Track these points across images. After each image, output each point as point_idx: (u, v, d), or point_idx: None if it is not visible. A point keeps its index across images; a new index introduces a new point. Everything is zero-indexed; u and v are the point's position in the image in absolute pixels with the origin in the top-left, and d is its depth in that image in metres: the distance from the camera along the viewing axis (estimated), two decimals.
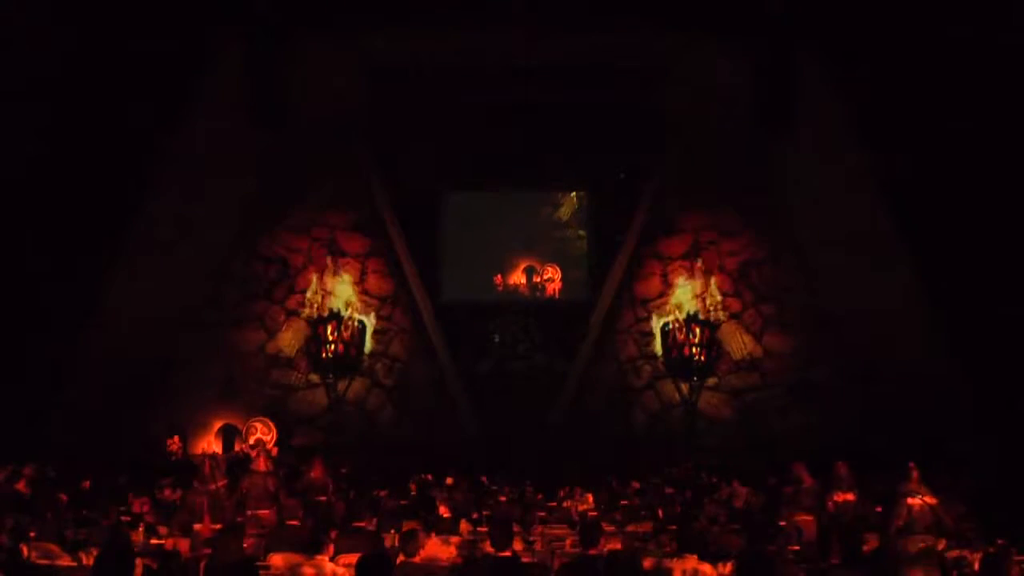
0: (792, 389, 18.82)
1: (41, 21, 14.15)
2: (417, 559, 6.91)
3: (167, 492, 12.50)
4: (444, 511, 11.01)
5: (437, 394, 19.14)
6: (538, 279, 20.43)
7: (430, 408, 18.99)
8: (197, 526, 9.76)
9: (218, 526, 9.77)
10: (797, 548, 8.98)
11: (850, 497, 11.23)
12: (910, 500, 9.60)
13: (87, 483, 13.51)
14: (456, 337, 19.50)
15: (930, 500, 9.50)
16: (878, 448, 16.63)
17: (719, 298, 19.03)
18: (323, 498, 11.62)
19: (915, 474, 9.96)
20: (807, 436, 17.62)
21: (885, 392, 17.70)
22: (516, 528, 9.72)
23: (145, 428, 18.03)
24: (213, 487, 10.36)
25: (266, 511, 10.65)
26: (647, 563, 6.81)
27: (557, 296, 20.39)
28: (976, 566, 7.22)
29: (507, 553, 7.06)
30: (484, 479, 14.46)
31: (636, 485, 14.41)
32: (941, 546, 8.30)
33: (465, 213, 20.51)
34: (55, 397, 16.43)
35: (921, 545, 8.39)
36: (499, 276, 20.39)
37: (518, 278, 20.43)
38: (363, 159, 19.32)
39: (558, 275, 20.36)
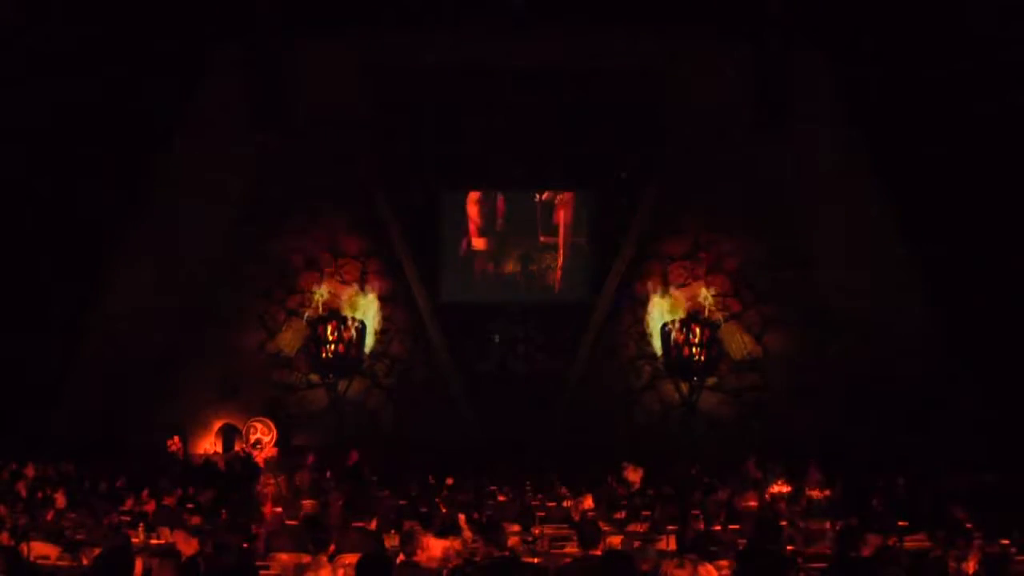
0: (792, 389, 18.81)
1: (42, 21, 14.15)
2: (417, 559, 6.90)
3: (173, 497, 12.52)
4: (444, 511, 11.00)
5: (437, 394, 19.13)
6: (535, 267, 20.30)
7: (430, 408, 18.98)
8: (265, 509, 11.00)
9: (279, 509, 11.28)
10: (792, 548, 8.98)
11: (785, 489, 12.61)
12: (809, 491, 11.82)
13: (88, 483, 13.52)
14: (456, 337, 19.49)
15: (825, 492, 11.64)
16: (877, 448, 16.66)
17: (722, 299, 19.03)
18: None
19: (814, 471, 12.50)
20: (806, 436, 17.61)
21: (885, 392, 17.70)
22: (516, 528, 9.73)
23: (145, 428, 18.03)
24: (273, 481, 11.15)
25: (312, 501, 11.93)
26: (647, 563, 6.80)
27: (558, 287, 20.22)
28: (971, 566, 7.21)
29: (505, 553, 7.06)
30: (484, 479, 14.45)
31: (636, 483, 14.42)
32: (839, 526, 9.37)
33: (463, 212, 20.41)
34: (55, 397, 16.43)
35: (828, 526, 9.75)
36: (491, 264, 20.28)
37: (513, 266, 20.32)
38: (363, 159, 19.31)
39: (558, 263, 20.22)
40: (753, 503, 12.14)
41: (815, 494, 12.50)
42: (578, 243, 20.23)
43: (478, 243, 20.23)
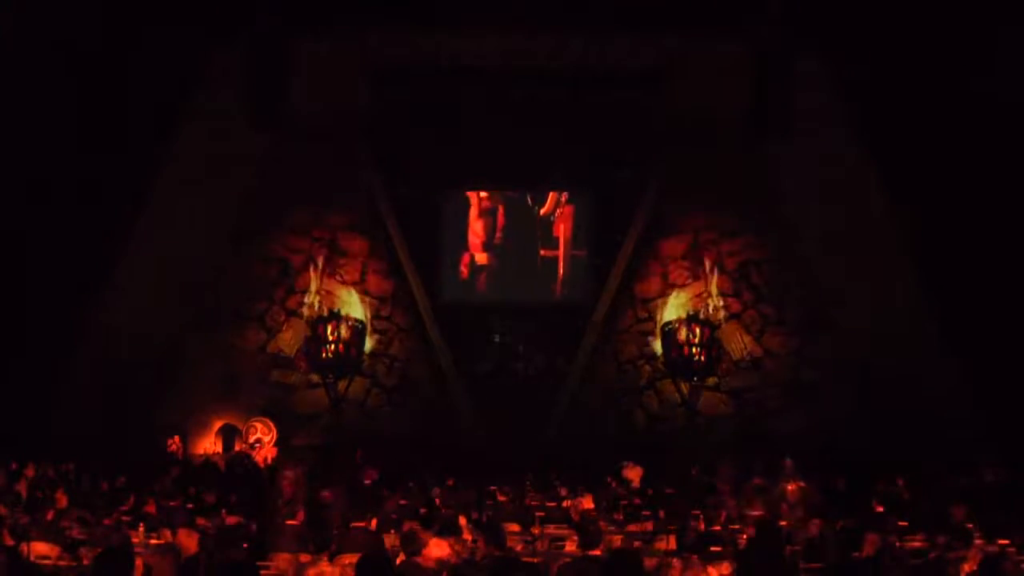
0: (791, 389, 18.81)
1: (41, 21, 14.15)
2: (418, 559, 6.90)
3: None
4: (444, 511, 11.00)
5: (437, 394, 19.12)
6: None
7: (430, 408, 18.98)
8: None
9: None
10: (797, 548, 8.98)
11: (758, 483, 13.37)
12: (786, 484, 12.48)
13: (88, 483, 13.52)
14: (456, 337, 19.47)
15: (801, 484, 12.34)
16: (877, 448, 16.67)
17: (719, 302, 19.00)
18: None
19: (789, 465, 13.02)
20: (806, 436, 17.61)
21: (885, 392, 17.71)
22: (516, 528, 9.73)
23: (145, 428, 18.03)
24: (292, 473, 11.82)
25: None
26: (647, 563, 6.80)
27: (559, 293, 20.18)
28: (970, 566, 7.22)
29: (505, 553, 7.07)
30: (484, 479, 14.45)
31: (635, 482, 14.44)
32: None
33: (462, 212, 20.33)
34: (55, 397, 16.43)
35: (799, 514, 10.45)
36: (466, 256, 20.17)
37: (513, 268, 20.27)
38: (363, 159, 19.30)
39: (558, 276, 20.21)
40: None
41: (790, 488, 12.78)
42: (577, 256, 20.16)
43: (481, 258, 20.14)
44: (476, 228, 20.12)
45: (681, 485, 14.49)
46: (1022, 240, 14.61)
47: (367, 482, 14.66)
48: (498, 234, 20.14)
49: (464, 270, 20.09)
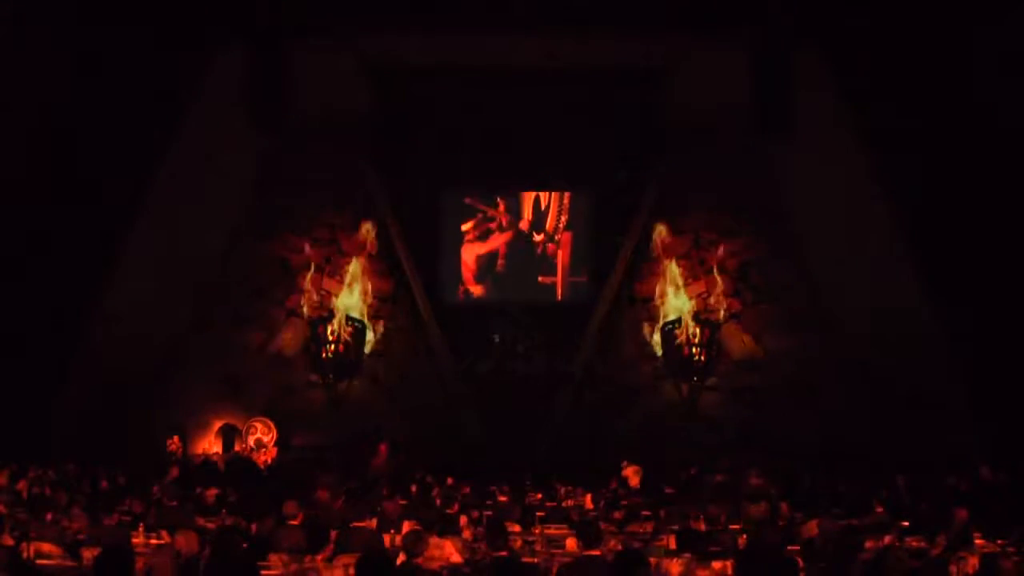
0: (791, 389, 18.80)
1: (41, 20, 14.16)
2: (418, 559, 6.90)
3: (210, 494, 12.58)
4: (444, 512, 11.00)
5: (437, 394, 19.13)
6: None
7: (430, 408, 18.98)
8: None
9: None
10: (796, 547, 8.97)
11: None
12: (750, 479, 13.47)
13: (88, 483, 13.51)
14: (456, 337, 19.48)
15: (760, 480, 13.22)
16: (877, 448, 16.67)
17: (720, 302, 19.01)
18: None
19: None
20: (806, 436, 17.61)
21: (885, 392, 17.71)
22: (516, 528, 9.73)
23: (145, 428, 18.04)
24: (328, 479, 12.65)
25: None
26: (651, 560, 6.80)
27: (559, 297, 20.19)
28: (971, 566, 7.22)
29: (504, 553, 7.08)
30: (484, 479, 14.45)
31: (635, 482, 14.43)
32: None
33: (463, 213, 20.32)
34: (56, 397, 16.44)
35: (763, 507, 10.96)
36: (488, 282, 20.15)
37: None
38: (363, 159, 19.31)
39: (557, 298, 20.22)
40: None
41: (753, 481, 13.41)
42: (577, 282, 20.14)
43: (476, 289, 20.12)
44: (470, 259, 20.07)
45: (681, 485, 14.49)
46: (1022, 239, 14.62)
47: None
48: (500, 261, 20.12)
49: (460, 296, 20.11)
